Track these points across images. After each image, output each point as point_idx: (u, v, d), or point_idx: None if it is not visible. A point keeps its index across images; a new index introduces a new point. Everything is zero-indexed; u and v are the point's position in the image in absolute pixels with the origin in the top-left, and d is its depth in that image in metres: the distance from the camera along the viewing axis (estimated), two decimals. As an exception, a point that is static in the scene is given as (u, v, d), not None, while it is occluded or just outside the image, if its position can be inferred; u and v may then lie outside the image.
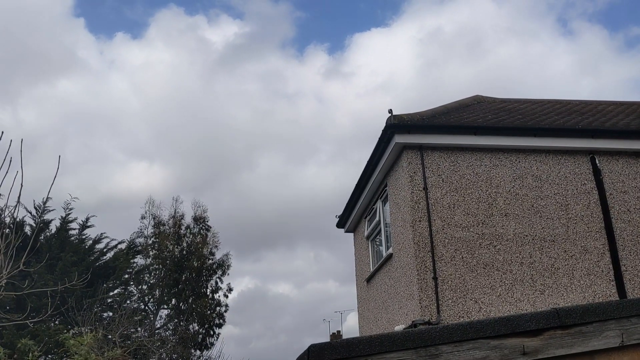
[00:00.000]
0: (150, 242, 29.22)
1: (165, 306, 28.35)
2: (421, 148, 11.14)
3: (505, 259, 10.63)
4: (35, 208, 21.03)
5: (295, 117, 56.20)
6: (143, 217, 30.12)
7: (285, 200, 51.22)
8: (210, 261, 29.96)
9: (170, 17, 57.08)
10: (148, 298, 27.86)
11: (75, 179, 39.77)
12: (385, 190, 12.53)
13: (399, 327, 10.35)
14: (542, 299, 10.40)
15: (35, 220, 20.86)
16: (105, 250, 23.65)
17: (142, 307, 26.92)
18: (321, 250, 55.66)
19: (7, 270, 5.59)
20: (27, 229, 19.90)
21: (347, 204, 15.04)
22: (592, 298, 10.55)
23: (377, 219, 13.45)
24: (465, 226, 10.75)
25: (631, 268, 10.87)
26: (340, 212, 15.85)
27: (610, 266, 10.85)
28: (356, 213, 14.82)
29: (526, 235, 10.85)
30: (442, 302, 10.17)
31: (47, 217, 21.69)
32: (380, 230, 13.34)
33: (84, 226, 23.08)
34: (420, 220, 10.65)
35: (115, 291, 23.47)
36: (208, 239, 30.38)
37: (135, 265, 26.30)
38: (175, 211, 30.50)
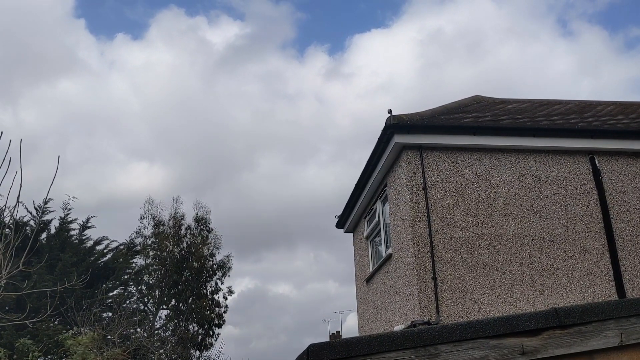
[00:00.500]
0: (150, 242, 29.21)
1: (165, 307, 28.35)
2: (420, 148, 11.14)
3: (505, 259, 10.63)
4: (35, 208, 21.04)
5: (295, 117, 56.28)
6: (142, 218, 30.13)
7: (285, 201, 51.27)
8: (211, 262, 29.95)
9: (171, 18, 57.12)
10: (147, 298, 27.85)
11: (75, 179, 39.80)
12: (385, 190, 12.54)
13: (398, 328, 10.34)
14: (541, 299, 10.40)
15: (35, 221, 20.86)
16: (104, 250, 23.65)
17: (142, 307, 26.92)
18: (321, 251, 55.69)
19: (7, 271, 5.59)
20: (27, 229, 19.89)
21: (346, 204, 15.04)
22: (592, 298, 10.55)
23: (376, 219, 13.45)
24: (465, 226, 10.75)
25: (630, 268, 10.87)
26: (339, 212, 15.86)
27: (610, 266, 10.85)
28: (356, 213, 14.82)
29: (526, 236, 10.85)
30: (441, 302, 10.17)
31: (47, 217, 21.71)
32: (379, 230, 13.34)
33: (85, 227, 23.09)
34: (419, 221, 10.65)
35: (115, 291, 23.47)
36: (209, 240, 30.38)
37: (134, 265, 26.31)
38: (175, 211, 30.51)
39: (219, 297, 29.59)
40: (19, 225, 17.50)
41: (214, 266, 30.03)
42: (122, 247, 24.81)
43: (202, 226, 30.60)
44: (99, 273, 21.33)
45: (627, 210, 11.29)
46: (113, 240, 23.95)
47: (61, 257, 19.74)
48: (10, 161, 5.08)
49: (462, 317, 10.09)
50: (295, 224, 52.49)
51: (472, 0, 55.54)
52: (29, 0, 45.06)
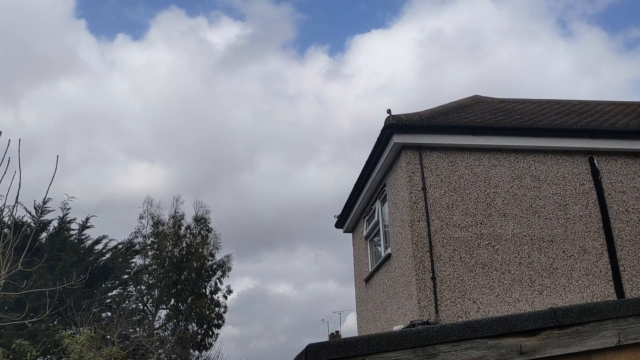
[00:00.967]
0: (149, 242, 29.21)
1: (164, 306, 28.35)
2: (420, 148, 11.14)
3: (504, 259, 10.63)
4: (35, 208, 21.04)
5: (295, 118, 56.33)
6: (141, 217, 30.13)
7: (285, 201, 51.33)
8: (210, 262, 29.94)
9: (172, 19, 57.16)
10: (147, 298, 27.85)
11: (76, 179, 39.84)
12: (384, 190, 12.54)
13: (397, 327, 10.34)
14: (540, 299, 10.41)
15: (34, 220, 20.85)
16: (104, 250, 23.64)
17: (141, 307, 26.92)
18: (321, 251, 55.73)
19: (6, 270, 5.59)
20: (27, 229, 19.88)
21: (345, 204, 15.04)
22: (591, 298, 10.56)
23: (375, 219, 13.46)
24: (464, 226, 10.75)
25: (629, 268, 10.88)
26: (339, 212, 15.86)
27: (609, 266, 10.85)
28: (355, 213, 14.82)
29: (525, 236, 10.85)
30: (440, 302, 10.18)
31: (47, 217, 21.70)
32: (378, 230, 13.34)
33: (84, 226, 23.09)
34: (418, 221, 10.65)
35: (114, 291, 23.46)
36: (209, 240, 30.37)
37: (134, 265, 26.30)
38: (175, 211, 30.51)
39: (218, 297, 29.62)
40: (18, 225, 17.49)
41: (214, 266, 30.04)
42: (121, 246, 24.81)
43: (201, 226, 30.60)
44: (98, 273, 21.32)
45: (626, 210, 11.30)
46: (112, 240, 23.96)
47: (62, 257, 19.73)
48: (9, 161, 5.08)
49: (461, 317, 10.10)
50: (295, 224, 52.57)
51: (472, 1, 55.60)
52: (30, 1, 45.12)
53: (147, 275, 27.96)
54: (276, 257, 52.70)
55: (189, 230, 30.27)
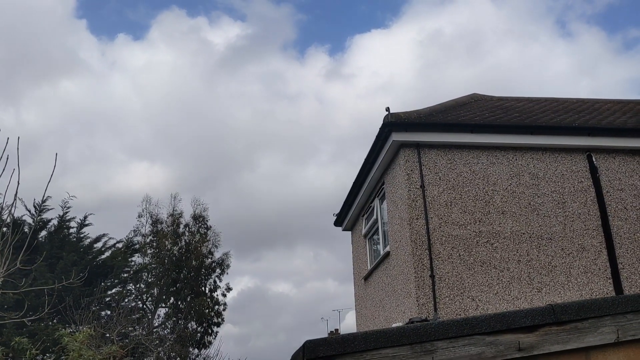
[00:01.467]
0: (148, 240, 29.19)
1: (164, 305, 28.34)
2: (418, 146, 11.14)
3: (503, 256, 10.64)
4: (34, 206, 21.02)
5: (296, 117, 56.37)
6: (140, 216, 30.12)
7: (285, 200, 51.36)
8: (209, 260, 29.93)
9: (172, 19, 57.17)
10: (146, 296, 27.84)
11: (77, 178, 39.89)
12: (383, 188, 12.54)
13: (396, 325, 10.34)
14: (539, 297, 10.42)
15: (33, 219, 20.85)
16: (103, 248, 23.63)
17: (140, 305, 26.91)
18: (321, 250, 55.80)
19: (5, 269, 5.59)
20: (26, 228, 19.88)
21: (344, 202, 15.04)
22: (589, 296, 10.56)
23: (374, 217, 13.46)
24: (463, 224, 10.76)
25: (628, 266, 10.89)
26: (338, 211, 15.85)
27: (607, 264, 10.86)
28: (354, 211, 14.82)
29: (523, 233, 10.86)
30: (439, 299, 10.18)
31: (46, 215, 21.70)
32: (377, 228, 13.34)
33: (82, 224, 23.08)
34: (417, 218, 10.65)
35: (114, 290, 23.46)
36: (208, 237, 30.35)
37: (133, 263, 26.29)
38: (173, 209, 30.49)
39: (217, 295, 29.60)
40: (17, 223, 17.48)
41: (213, 264, 30.02)
42: (120, 245, 24.80)
43: (200, 224, 30.57)
44: (98, 271, 21.32)
45: (625, 208, 11.30)
46: (111, 238, 23.95)
47: (62, 255, 19.72)
48: (7, 158, 5.08)
49: (460, 315, 10.10)
50: (295, 223, 52.60)
51: (472, 2, 55.62)
52: (31, 1, 45.08)
53: (146, 274, 27.94)
54: (276, 256, 52.78)
55: (187, 228, 30.26)
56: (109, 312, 19.71)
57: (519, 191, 11.15)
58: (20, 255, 5.94)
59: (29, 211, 21.02)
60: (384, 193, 12.46)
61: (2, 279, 5.85)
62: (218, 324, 29.19)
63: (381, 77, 58.88)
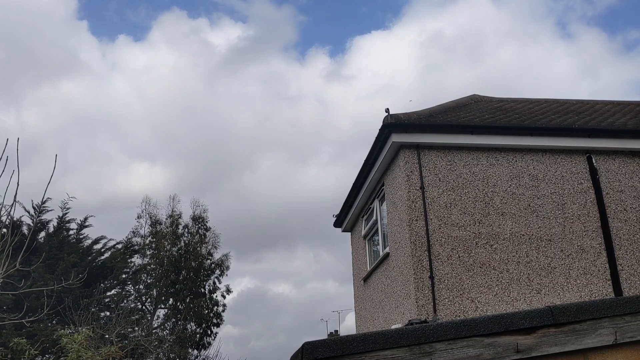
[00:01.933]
0: (147, 241, 29.18)
1: (163, 306, 28.34)
2: (418, 147, 11.14)
3: (502, 258, 10.64)
4: (33, 207, 21.03)
5: (296, 119, 56.46)
6: (139, 217, 30.10)
7: (285, 201, 51.45)
8: (209, 261, 29.91)
9: (173, 20, 57.25)
10: (145, 298, 27.84)
11: (77, 180, 39.95)
12: (382, 189, 12.54)
13: (395, 326, 10.34)
14: (538, 298, 10.41)
15: (32, 220, 20.86)
16: (102, 250, 23.64)
17: (140, 306, 26.91)
18: (321, 251, 55.86)
19: (4, 270, 5.58)
20: (25, 229, 19.89)
21: (344, 203, 15.04)
22: (589, 297, 10.56)
23: (374, 218, 13.46)
24: (462, 225, 10.76)
25: (627, 267, 10.89)
26: (338, 212, 15.85)
27: (607, 265, 10.86)
28: (353, 212, 14.82)
29: (523, 235, 10.86)
30: (438, 301, 10.18)
31: (46, 217, 21.72)
32: (377, 229, 13.34)
33: (82, 226, 23.09)
34: (417, 220, 10.65)
35: (113, 291, 23.49)
36: (207, 238, 30.34)
37: (132, 264, 26.30)
38: (172, 210, 30.48)
39: (217, 296, 29.59)
40: (16, 224, 17.47)
41: (212, 265, 30.01)
42: (119, 246, 24.81)
43: (199, 225, 30.55)
44: (97, 272, 21.33)
45: (624, 209, 11.30)
46: (110, 239, 23.96)
47: (62, 257, 19.73)
48: (7, 160, 5.08)
49: (459, 316, 10.10)
50: (295, 224, 52.67)
51: (472, 3, 55.69)
52: (32, 3, 45.14)
53: (145, 275, 27.95)
54: (276, 257, 52.84)
55: (187, 230, 30.25)
56: (108, 313, 19.72)
57: (518, 192, 11.15)
58: (20, 256, 5.93)
59: (28, 212, 21.04)
60: (384, 194, 12.47)
61: (2, 280, 5.85)
62: (217, 325, 29.18)
63: (382, 78, 59.02)
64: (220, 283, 29.92)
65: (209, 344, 28.29)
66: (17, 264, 5.81)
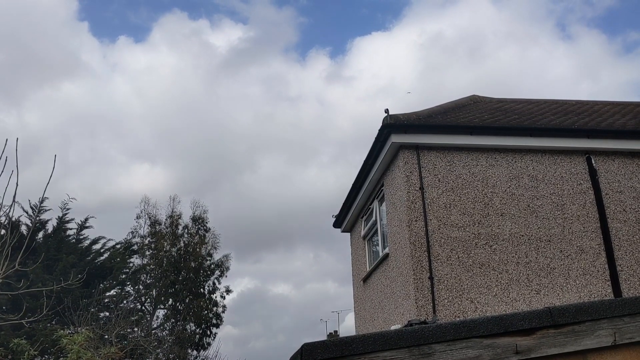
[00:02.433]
0: (147, 242, 29.16)
1: (162, 306, 28.31)
2: (417, 148, 11.14)
3: (501, 258, 10.64)
4: (31, 207, 21.01)
5: (296, 120, 56.55)
6: (138, 217, 30.07)
7: (286, 202, 51.51)
8: (208, 262, 29.88)
9: (174, 22, 57.32)
10: (145, 298, 27.82)
11: (78, 180, 39.99)
12: (382, 190, 12.54)
13: (395, 327, 10.34)
14: (538, 299, 10.41)
15: (31, 220, 20.83)
16: (102, 250, 23.63)
17: (139, 307, 26.88)
18: (320, 251, 55.88)
19: (3, 270, 5.58)
20: (24, 229, 19.87)
21: (343, 203, 15.04)
22: (588, 298, 10.56)
23: (373, 218, 13.45)
24: (462, 226, 10.76)
25: (627, 268, 10.89)
26: (337, 212, 15.85)
27: (606, 266, 10.86)
28: (353, 213, 14.81)
29: (522, 235, 10.86)
30: (438, 301, 10.18)
31: (45, 217, 21.68)
32: (376, 230, 13.34)
33: (82, 226, 23.07)
34: (416, 220, 10.65)
35: (112, 291, 23.46)
36: (207, 239, 30.31)
37: (131, 265, 26.28)
38: (172, 211, 30.45)
39: (216, 297, 29.57)
40: (15, 224, 17.46)
41: (212, 265, 29.98)
42: (119, 246, 24.79)
43: (199, 225, 30.52)
44: (96, 273, 21.31)
45: (624, 210, 11.30)
46: (110, 240, 23.95)
47: (61, 257, 19.72)
48: (6, 160, 5.08)
49: (459, 317, 10.10)
50: (295, 224, 52.73)
51: (473, 4, 55.72)
52: (33, 4, 45.17)
53: (145, 275, 27.92)
54: (276, 258, 52.90)
55: (186, 230, 30.22)
56: (107, 314, 19.71)
57: (518, 193, 11.15)
58: (19, 257, 5.93)
59: (27, 212, 21.02)
60: (383, 195, 12.46)
61: (1, 280, 5.84)
62: (217, 326, 29.15)
63: (382, 79, 59.10)
64: (219, 284, 29.91)
65: (209, 344, 28.28)
66: (17, 265, 5.80)
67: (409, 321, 9.70)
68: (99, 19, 56.82)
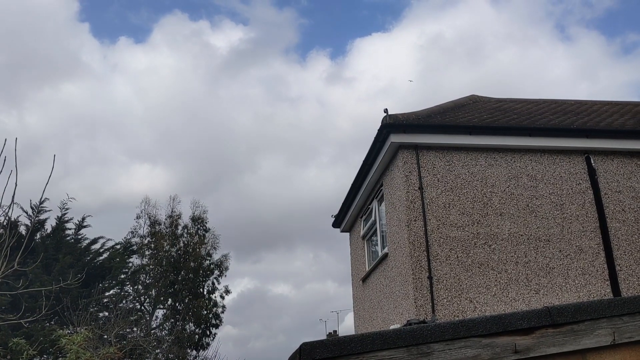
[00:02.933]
0: (146, 241, 29.15)
1: (162, 306, 28.31)
2: (417, 147, 11.14)
3: (500, 258, 10.64)
4: (31, 207, 20.99)
5: (297, 120, 56.62)
6: (138, 217, 30.07)
7: (286, 202, 51.57)
8: (208, 262, 29.88)
9: (175, 23, 57.36)
10: (144, 298, 27.82)
11: (78, 181, 39.98)
12: (381, 190, 12.54)
13: (394, 327, 10.33)
14: (537, 299, 10.42)
15: (30, 220, 20.82)
16: (101, 250, 23.62)
17: (138, 307, 26.88)
18: (320, 251, 55.95)
19: (1, 270, 5.57)
20: (22, 229, 19.86)
21: (343, 203, 15.04)
22: (587, 297, 10.56)
23: (372, 218, 13.45)
24: (461, 226, 10.76)
25: (626, 267, 10.89)
26: (337, 212, 15.85)
27: (605, 266, 10.87)
28: (352, 213, 14.81)
29: (521, 235, 10.86)
30: (437, 301, 10.18)
31: (43, 217, 21.67)
32: (375, 229, 13.34)
33: (80, 226, 23.06)
34: (415, 220, 10.65)
35: (112, 291, 23.46)
36: (206, 239, 30.31)
37: (131, 265, 26.27)
38: (172, 211, 30.45)
39: (216, 297, 29.57)
40: (14, 225, 17.45)
41: (211, 266, 29.98)
42: (118, 246, 24.78)
43: (198, 226, 30.53)
44: (95, 273, 21.30)
45: (623, 210, 11.31)
46: (109, 239, 23.94)
47: (59, 257, 19.71)
48: (5, 160, 5.07)
49: (458, 316, 10.10)
50: (295, 225, 52.79)
51: (472, 6, 55.78)
52: (34, 4, 45.18)
53: (144, 275, 27.92)
54: (276, 258, 52.94)
55: (186, 230, 30.23)
56: (106, 314, 19.69)
57: (517, 193, 11.15)
58: (18, 256, 5.92)
59: (26, 212, 21.00)
60: (382, 195, 12.46)
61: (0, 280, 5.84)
62: (216, 326, 29.16)
63: (382, 80, 59.19)
64: (219, 284, 29.92)
65: (208, 344, 28.30)
66: (15, 264, 5.80)
67: (408, 321, 9.70)
68: (99, 20, 56.92)
